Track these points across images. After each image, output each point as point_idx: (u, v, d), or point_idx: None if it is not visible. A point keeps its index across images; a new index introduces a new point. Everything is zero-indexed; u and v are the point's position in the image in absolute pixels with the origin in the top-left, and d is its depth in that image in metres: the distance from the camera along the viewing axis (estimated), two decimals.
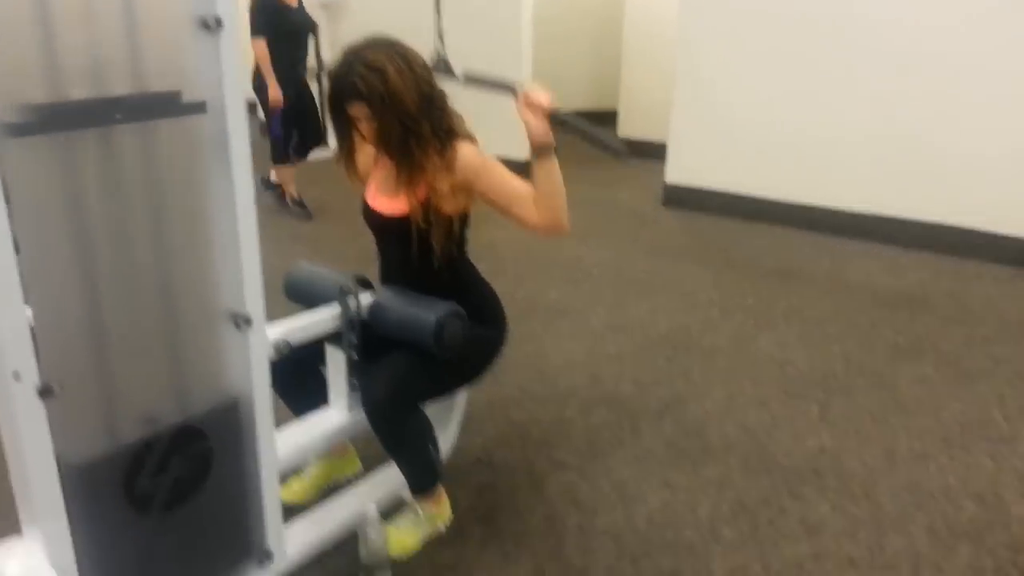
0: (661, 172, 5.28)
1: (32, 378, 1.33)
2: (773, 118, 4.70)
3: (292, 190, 5.01)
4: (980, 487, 2.27)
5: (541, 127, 1.74)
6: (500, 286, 3.77)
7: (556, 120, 1.76)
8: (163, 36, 1.40)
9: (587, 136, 1.80)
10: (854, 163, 4.48)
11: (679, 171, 5.19)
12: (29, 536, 1.49)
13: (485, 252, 4.19)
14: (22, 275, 1.28)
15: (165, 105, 1.41)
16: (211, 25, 1.42)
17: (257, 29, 4.43)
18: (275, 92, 4.53)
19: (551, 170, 1.79)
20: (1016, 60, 3.85)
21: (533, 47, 5.81)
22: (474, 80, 1.89)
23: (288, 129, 4.74)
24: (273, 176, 5.07)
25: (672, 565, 1.97)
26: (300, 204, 5.00)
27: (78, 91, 1.30)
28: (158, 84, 1.39)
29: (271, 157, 4.88)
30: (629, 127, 6.79)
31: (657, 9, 6.07)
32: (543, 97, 1.74)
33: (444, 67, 1.96)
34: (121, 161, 1.38)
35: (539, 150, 1.78)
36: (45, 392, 1.35)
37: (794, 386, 2.85)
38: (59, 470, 1.42)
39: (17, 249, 1.26)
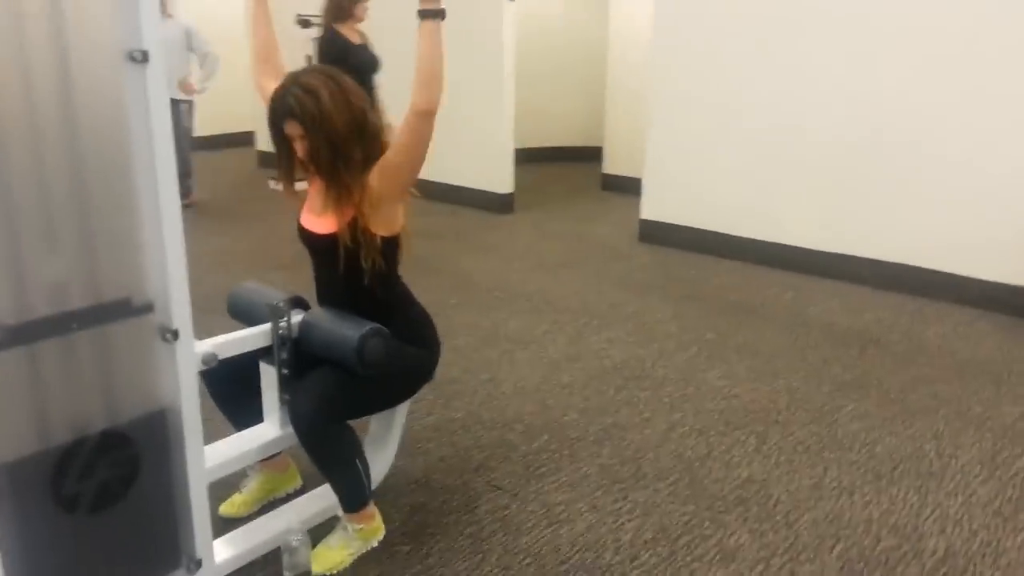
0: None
1: None
2: (742, 157, 4.83)
3: None
4: (901, 520, 2.33)
5: None
6: (466, 316, 3.90)
7: None
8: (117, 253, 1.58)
9: None
10: (821, 203, 4.59)
11: (653, 208, 5.31)
12: None
13: (461, 282, 4.35)
14: None
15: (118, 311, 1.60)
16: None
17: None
18: None
19: (435, 33, 1.84)
20: (979, 106, 3.97)
21: (519, 85, 5.95)
22: None
23: None
24: None
25: None
26: None
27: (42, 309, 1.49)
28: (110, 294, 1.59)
29: None
30: (614, 164, 6.93)
31: (640, 48, 6.23)
32: None
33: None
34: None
35: (427, 7, 1.82)
36: None
37: (735, 417, 2.93)
38: None
39: None
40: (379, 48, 4.79)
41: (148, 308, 1.69)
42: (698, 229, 5.10)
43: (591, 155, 7.36)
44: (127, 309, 1.67)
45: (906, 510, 2.38)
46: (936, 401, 3.09)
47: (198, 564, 1.93)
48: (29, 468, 1.58)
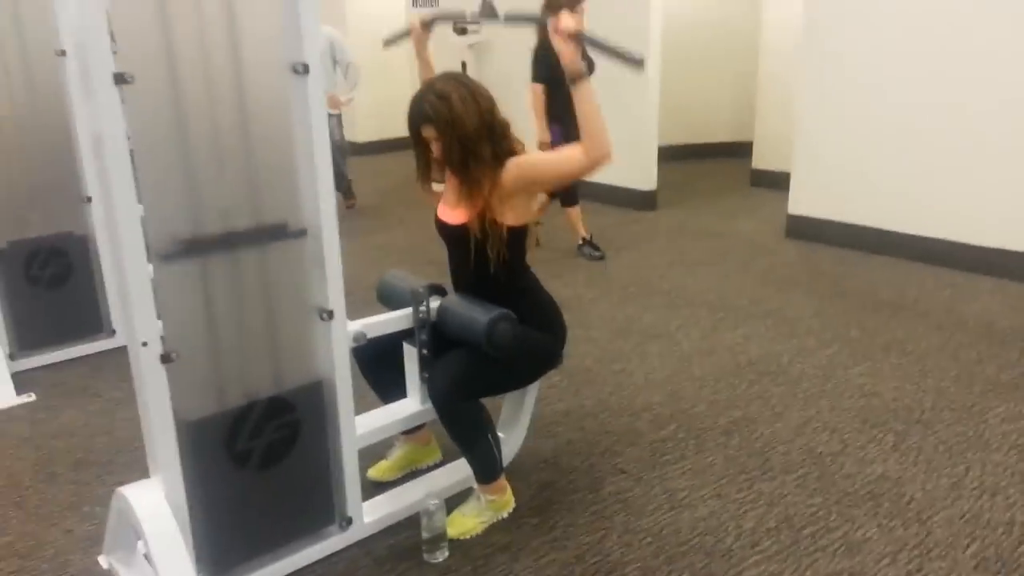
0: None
1: (156, 347, 1.72)
2: (897, 150, 4.62)
3: (581, 230, 5.00)
4: None
5: (570, 51, 1.97)
6: (601, 309, 4.02)
7: (585, 39, 1.97)
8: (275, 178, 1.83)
9: (607, 49, 1.97)
10: (981, 197, 4.31)
11: (801, 202, 5.17)
12: (154, 479, 1.88)
13: (598, 277, 4.46)
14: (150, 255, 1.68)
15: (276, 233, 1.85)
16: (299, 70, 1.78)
17: (535, 75, 4.63)
18: (543, 134, 4.62)
19: (587, 95, 2.00)
20: None
21: (665, 78, 5.95)
22: (513, 18, 2.17)
23: None
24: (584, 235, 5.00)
25: (705, 567, 2.10)
26: (591, 244, 4.96)
27: (212, 227, 1.75)
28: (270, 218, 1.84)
29: (561, 201, 4.91)
30: (763, 159, 6.78)
31: (794, 38, 6.06)
32: (569, 22, 1.97)
33: (489, 10, 2.27)
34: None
35: (573, 76, 1.99)
36: (166, 359, 1.74)
37: (874, 415, 2.86)
38: (175, 425, 1.81)
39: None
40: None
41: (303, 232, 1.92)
42: (848, 224, 4.93)
43: (741, 151, 7.22)
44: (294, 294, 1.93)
45: None
46: None
47: (349, 521, 2.18)
48: (210, 426, 1.86)
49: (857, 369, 3.25)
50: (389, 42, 2.68)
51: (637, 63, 1.97)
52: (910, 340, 3.52)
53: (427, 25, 2.44)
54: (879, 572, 2.06)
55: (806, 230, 5.15)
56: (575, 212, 4.97)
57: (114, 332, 3.53)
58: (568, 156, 2.08)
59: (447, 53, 7.08)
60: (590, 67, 2.00)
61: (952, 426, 2.77)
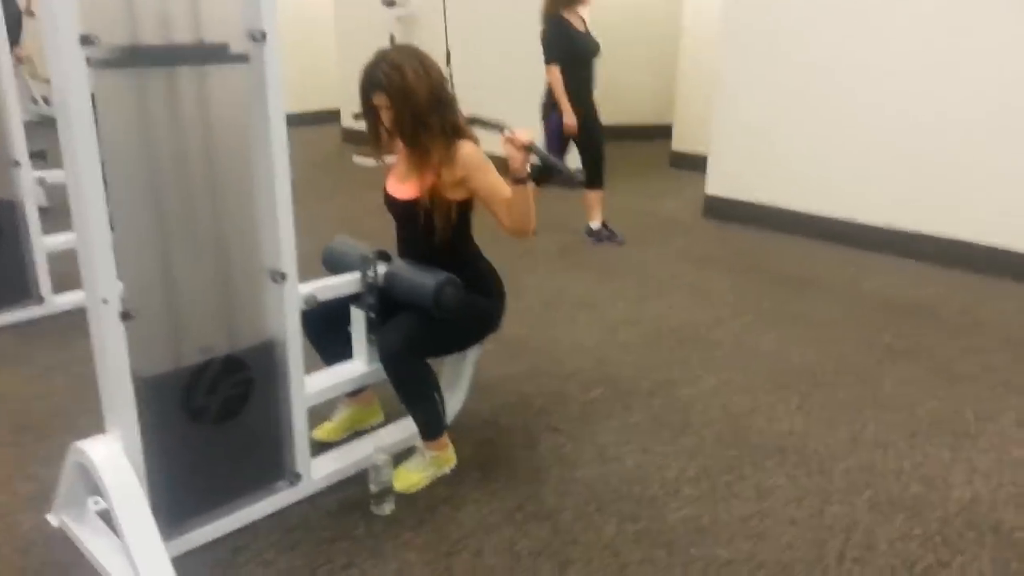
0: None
1: (116, 304, 1.78)
2: (805, 135, 4.93)
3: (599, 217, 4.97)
4: (931, 473, 2.50)
5: (519, 160, 2.16)
6: (533, 280, 4.17)
7: (533, 151, 2.17)
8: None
9: (550, 163, 2.25)
10: (882, 179, 4.66)
11: (718, 183, 5.46)
12: (111, 433, 1.93)
13: (528, 250, 4.61)
14: (111, 217, 1.72)
15: (215, 54, 1.84)
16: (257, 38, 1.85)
17: (551, 56, 4.54)
18: (570, 118, 4.56)
19: (524, 195, 2.22)
20: None
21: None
22: (474, 120, 2.33)
23: (561, 152, 4.69)
24: (593, 224, 4.97)
25: (633, 512, 2.29)
26: (608, 229, 4.95)
27: (151, 38, 1.74)
28: (211, 36, 1.82)
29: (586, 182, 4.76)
30: (683, 141, 7.06)
31: (714, 23, 6.32)
32: (523, 135, 2.15)
33: None
34: (181, 99, 1.81)
35: (516, 178, 2.19)
36: (125, 316, 1.80)
37: (782, 378, 3.12)
38: (133, 381, 1.87)
39: (106, 184, 1.69)
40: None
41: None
42: (762, 205, 5.23)
43: (661, 133, 7.48)
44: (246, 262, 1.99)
45: (938, 464, 2.55)
46: (984, 371, 3.20)
47: (298, 477, 2.27)
48: (167, 383, 1.93)
49: (767, 337, 3.51)
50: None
51: (577, 181, 2.28)
52: (816, 311, 3.82)
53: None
54: (786, 514, 2.29)
55: (722, 210, 5.44)
56: (596, 196, 4.88)
57: (43, 299, 3.48)
58: (499, 206, 2.27)
59: (375, 26, 7.08)
60: (526, 180, 2.22)
61: (851, 387, 3.05)
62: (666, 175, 6.93)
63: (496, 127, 2.22)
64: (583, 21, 4.69)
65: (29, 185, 3.36)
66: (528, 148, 2.15)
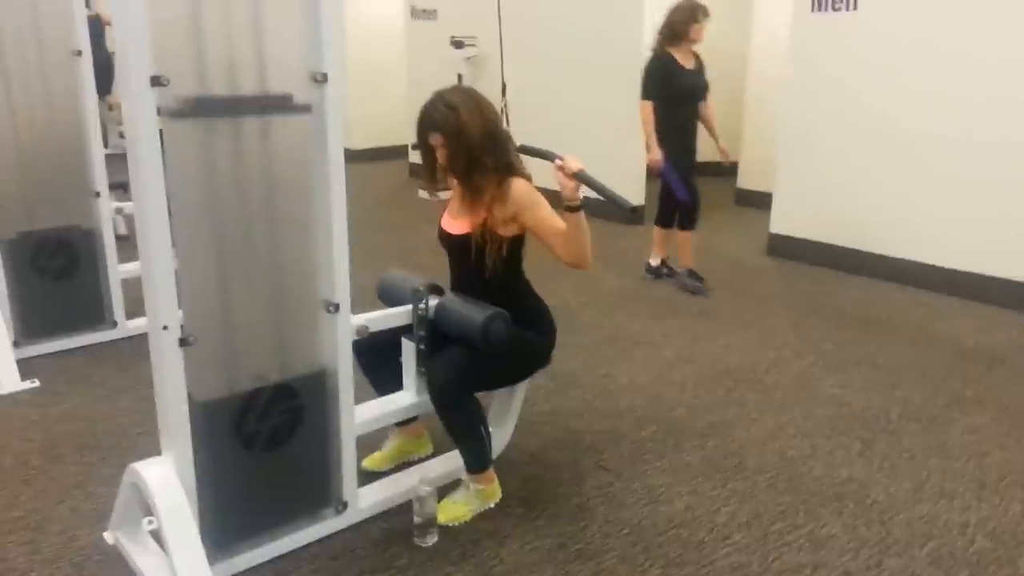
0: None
1: (175, 331, 1.85)
2: (876, 175, 4.81)
3: (659, 254, 4.87)
4: (1000, 528, 2.38)
5: (570, 187, 2.18)
6: (590, 316, 4.16)
7: (582, 179, 2.18)
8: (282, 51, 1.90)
9: (599, 188, 2.20)
10: (953, 220, 4.51)
11: (782, 222, 5.36)
12: (165, 455, 2.00)
13: (586, 286, 4.60)
14: (175, 249, 1.80)
15: (279, 104, 1.92)
16: (319, 79, 1.92)
17: (643, 92, 4.45)
18: (652, 155, 4.44)
19: (579, 222, 2.23)
20: None
21: None
22: (525, 149, 2.37)
23: (693, 188, 4.59)
24: (652, 260, 4.91)
25: (679, 556, 2.24)
26: (658, 271, 4.85)
27: (218, 88, 1.82)
28: (276, 87, 1.90)
29: (683, 225, 4.68)
30: (749, 179, 6.97)
31: (779, 62, 6.28)
32: (573, 163, 2.17)
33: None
34: (244, 140, 1.89)
35: (569, 206, 2.21)
36: (184, 342, 1.87)
37: (843, 423, 3.02)
38: (188, 405, 1.93)
39: (170, 212, 1.76)
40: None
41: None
42: (827, 244, 5.11)
43: (727, 170, 7.37)
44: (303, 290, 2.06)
45: (1007, 518, 2.42)
46: None
47: (345, 506, 2.30)
48: (221, 408, 1.99)
49: (830, 380, 3.41)
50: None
51: (625, 206, 2.22)
52: (881, 355, 3.69)
53: None
54: (841, 566, 2.20)
55: (786, 249, 5.33)
56: (685, 237, 4.70)
57: (115, 324, 3.64)
58: (553, 239, 2.28)
59: (444, 65, 7.26)
60: (580, 208, 2.24)
61: (916, 435, 2.94)
62: (731, 212, 6.85)
63: (546, 156, 2.25)
64: (695, 58, 4.52)
65: (107, 214, 3.54)
66: (578, 176, 2.16)
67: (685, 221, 4.69)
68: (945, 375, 3.47)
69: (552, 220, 2.27)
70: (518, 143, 2.40)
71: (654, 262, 4.91)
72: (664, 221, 4.79)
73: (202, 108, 1.80)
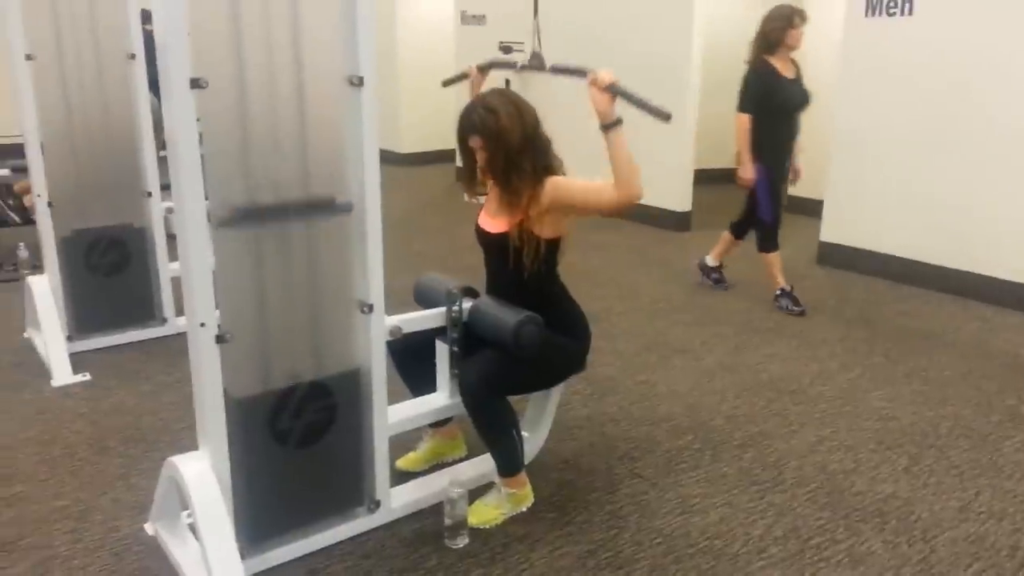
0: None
1: (212, 328, 1.88)
2: (930, 182, 4.67)
3: (779, 279, 4.44)
4: None
5: (603, 101, 2.14)
6: (631, 322, 4.13)
7: (617, 91, 2.15)
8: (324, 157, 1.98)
9: (636, 101, 2.15)
10: (1010, 230, 4.35)
11: (833, 230, 5.24)
12: (202, 450, 2.04)
13: (628, 292, 4.57)
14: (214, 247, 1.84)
15: (323, 207, 2.00)
16: (355, 82, 1.94)
17: (742, 105, 4.21)
18: (745, 171, 4.24)
19: (618, 142, 2.16)
20: None
21: (705, 102, 6.07)
22: (558, 69, 2.40)
23: (778, 212, 4.43)
24: (710, 259, 4.74)
25: (712, 568, 2.20)
26: (791, 296, 4.37)
27: (264, 197, 1.90)
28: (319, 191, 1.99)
29: (759, 245, 4.49)
30: (799, 185, 6.80)
31: (829, 67, 6.15)
32: (605, 76, 2.14)
33: (538, 61, 2.53)
34: (280, 141, 1.93)
35: (605, 124, 2.16)
36: (221, 339, 1.90)
37: (889, 437, 2.93)
38: (225, 401, 1.96)
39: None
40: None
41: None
42: (879, 253, 4.97)
43: None
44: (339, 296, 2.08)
45: None
46: None
47: (377, 504, 2.32)
48: (255, 404, 2.02)
49: (877, 393, 3.32)
50: (448, 82, 3.04)
51: (664, 116, 2.15)
52: (933, 368, 3.58)
53: (484, 70, 2.85)
54: None
55: (837, 257, 5.21)
56: (773, 259, 4.45)
57: (165, 320, 3.74)
58: (600, 189, 2.21)
59: (494, 73, 7.28)
60: (617, 124, 2.17)
61: (966, 452, 2.83)
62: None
63: (578, 72, 2.23)
64: (795, 66, 4.29)
65: (159, 214, 3.63)
66: (612, 88, 2.14)
67: (761, 241, 4.45)
68: (999, 390, 3.34)
69: (586, 183, 2.25)
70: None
71: (711, 262, 4.77)
72: (739, 231, 4.60)
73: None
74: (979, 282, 4.49)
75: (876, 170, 4.97)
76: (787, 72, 4.23)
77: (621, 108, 2.19)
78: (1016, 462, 2.76)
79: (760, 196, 4.36)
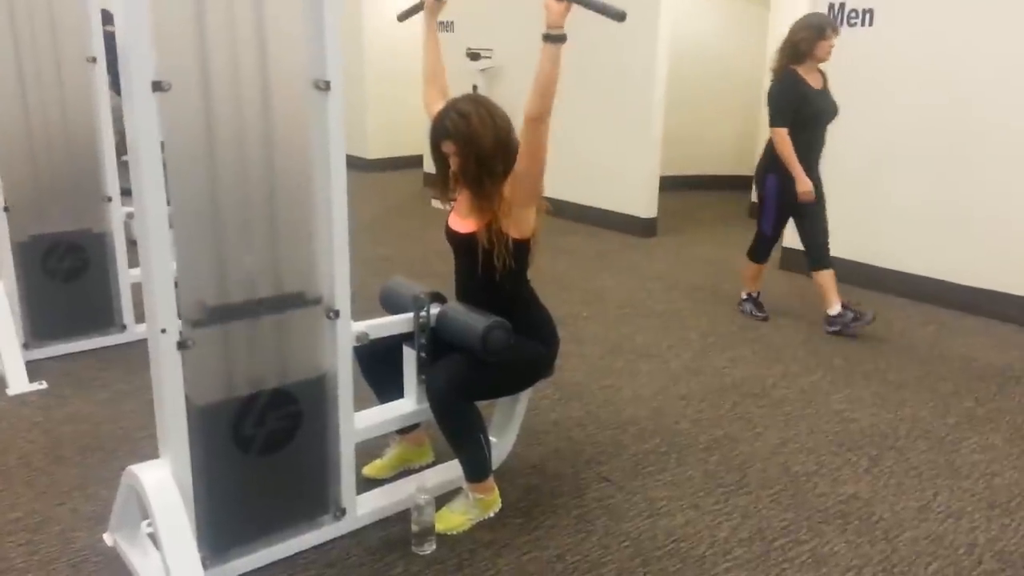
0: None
1: (174, 334, 1.85)
2: (888, 188, 4.77)
3: (750, 285, 4.49)
4: (1009, 548, 2.33)
5: (557, 10, 2.05)
6: (597, 326, 4.15)
7: None
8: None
9: (593, 4, 2.05)
10: (969, 238, 4.46)
11: (796, 236, 5.31)
12: (163, 458, 2.00)
13: (594, 298, 4.59)
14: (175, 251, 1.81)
15: (294, 301, 2.02)
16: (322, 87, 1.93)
17: (776, 119, 4.04)
18: (804, 184, 4.01)
19: (555, 56, 2.10)
20: None
21: (670, 110, 6.12)
22: None
23: (779, 230, 4.37)
24: (834, 309, 4.19)
25: (678, 570, 2.21)
26: (756, 302, 4.45)
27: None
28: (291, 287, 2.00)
29: (749, 250, 4.45)
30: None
31: None
32: None
33: None
34: (246, 134, 1.91)
35: (550, 33, 2.08)
36: (182, 345, 1.87)
37: (850, 439, 2.98)
38: (186, 408, 1.93)
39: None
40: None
41: (318, 300, 2.07)
42: (841, 259, 5.02)
43: (741, 183, 7.37)
44: (302, 301, 2.06)
45: (1016, 539, 2.37)
46: None
47: (343, 512, 2.30)
48: (217, 411, 1.99)
49: (837, 396, 3.37)
50: (403, 17, 2.77)
51: (619, 15, 2.03)
52: (891, 371, 3.65)
53: None
54: None
55: (800, 263, 5.25)
56: (754, 268, 4.43)
57: (124, 327, 3.67)
58: (521, 136, 2.19)
59: (459, 78, 7.28)
60: (561, 39, 2.07)
61: (925, 453, 2.89)
62: (745, 226, 6.75)
63: None
64: (822, 77, 4.12)
65: (119, 220, 3.57)
66: None
67: (753, 250, 4.42)
68: (955, 392, 3.42)
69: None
70: None
71: (834, 311, 4.19)
72: (821, 261, 4.28)
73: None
74: (936, 287, 4.59)
75: (837, 177, 5.03)
76: (815, 83, 4.07)
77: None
78: (973, 463, 2.82)
79: (767, 207, 4.28)
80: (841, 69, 4.90)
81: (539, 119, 2.14)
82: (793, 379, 3.54)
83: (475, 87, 7.12)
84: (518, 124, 2.34)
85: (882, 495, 2.61)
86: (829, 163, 5.01)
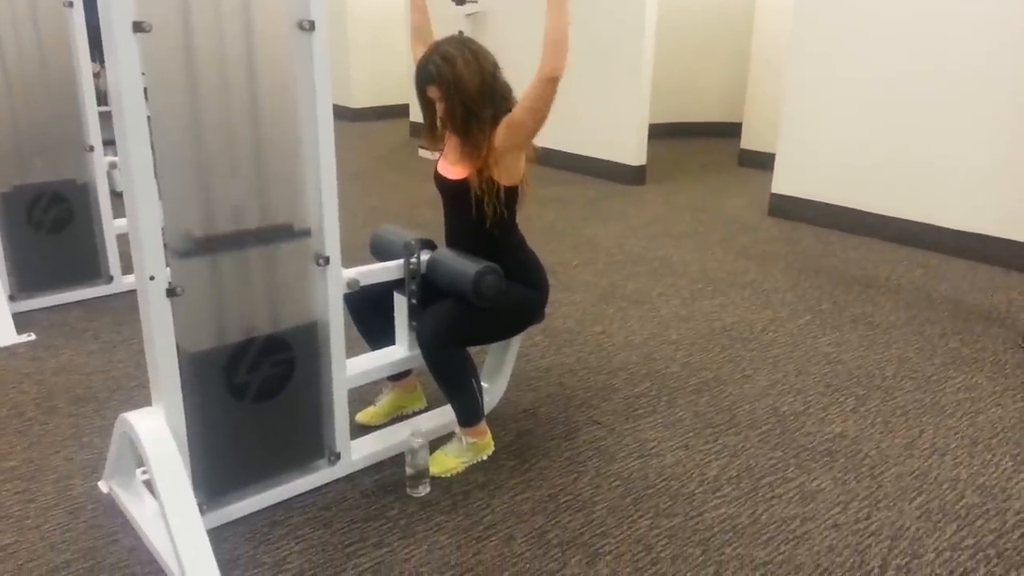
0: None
1: (163, 281, 1.84)
2: (878, 135, 4.75)
3: None
4: (989, 483, 2.39)
5: None
6: (588, 274, 4.16)
7: None
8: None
9: None
10: (954, 181, 4.46)
11: (785, 182, 5.31)
12: (156, 406, 2.00)
13: (584, 246, 4.59)
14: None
15: (282, 234, 1.99)
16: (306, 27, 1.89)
17: None
18: None
19: (558, 5, 2.04)
20: None
21: (659, 58, 6.05)
22: None
23: None
24: None
25: (669, 508, 2.25)
26: None
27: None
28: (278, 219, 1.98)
29: None
30: (752, 139, 6.89)
31: (785, 24, 6.18)
32: None
33: None
34: (231, 96, 1.88)
35: None
36: (171, 292, 1.86)
37: (837, 380, 3.02)
38: (178, 356, 1.93)
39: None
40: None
41: (306, 234, 2.06)
42: (830, 204, 5.07)
43: (731, 131, 7.35)
44: (289, 233, 2.04)
45: (997, 474, 2.43)
46: None
47: (337, 456, 2.32)
48: (210, 359, 1.99)
49: (825, 339, 3.40)
50: None
51: None
52: (879, 314, 3.68)
53: None
54: (830, 519, 2.21)
55: (788, 209, 5.29)
56: None
57: (111, 278, 3.64)
58: (532, 89, 2.12)
59: (445, 23, 7.14)
60: None
61: (911, 393, 2.94)
62: (734, 173, 6.78)
63: None
64: None
65: (102, 169, 3.51)
66: None
67: None
68: (942, 334, 3.46)
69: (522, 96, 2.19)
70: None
71: None
72: None
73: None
74: (924, 230, 4.62)
75: (826, 123, 5.03)
76: None
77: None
78: (957, 401, 2.87)
79: None
80: (831, 10, 4.85)
81: (556, 78, 2.08)
82: (782, 323, 3.57)
83: (461, 32, 7.00)
84: (508, 72, 2.31)
85: (868, 433, 2.65)
86: (820, 109, 5.00)
